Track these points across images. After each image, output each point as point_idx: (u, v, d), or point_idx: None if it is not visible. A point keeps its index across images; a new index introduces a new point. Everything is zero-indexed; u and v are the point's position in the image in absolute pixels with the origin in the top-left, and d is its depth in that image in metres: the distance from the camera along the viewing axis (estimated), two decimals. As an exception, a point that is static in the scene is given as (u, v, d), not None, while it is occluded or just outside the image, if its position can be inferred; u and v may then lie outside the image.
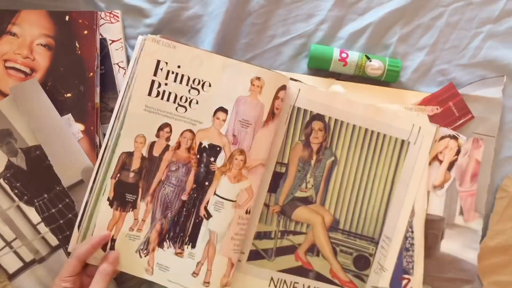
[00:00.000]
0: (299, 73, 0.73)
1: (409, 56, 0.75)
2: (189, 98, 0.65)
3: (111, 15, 0.71)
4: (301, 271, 0.69)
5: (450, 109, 0.72)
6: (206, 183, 0.65)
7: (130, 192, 0.66)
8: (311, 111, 0.69)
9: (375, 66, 0.71)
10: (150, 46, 0.65)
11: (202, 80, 0.65)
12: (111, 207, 0.65)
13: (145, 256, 0.65)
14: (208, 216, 0.64)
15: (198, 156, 0.65)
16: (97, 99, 0.68)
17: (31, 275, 0.67)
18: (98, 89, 0.68)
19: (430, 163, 0.71)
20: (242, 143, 0.65)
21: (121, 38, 0.71)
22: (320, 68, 0.73)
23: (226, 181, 0.65)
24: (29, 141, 0.66)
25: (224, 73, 0.65)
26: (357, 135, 0.69)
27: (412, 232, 0.69)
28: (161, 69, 0.65)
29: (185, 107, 0.65)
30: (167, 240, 0.65)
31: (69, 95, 0.68)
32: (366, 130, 0.69)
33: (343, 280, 0.69)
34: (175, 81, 0.65)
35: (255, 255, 0.68)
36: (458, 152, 0.72)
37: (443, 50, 0.75)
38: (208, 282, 0.64)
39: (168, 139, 0.65)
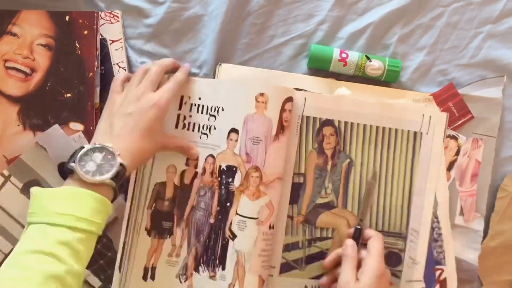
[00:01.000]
0: (299, 73, 0.73)
1: (409, 56, 0.74)
2: (209, 125, 0.67)
3: (111, 15, 0.71)
4: (334, 275, 0.69)
5: (450, 109, 0.72)
6: (228, 204, 0.66)
7: (166, 219, 0.67)
8: (320, 118, 0.69)
9: (375, 66, 0.71)
10: None
11: (217, 106, 0.67)
12: (149, 236, 0.67)
13: (184, 281, 0.66)
14: (234, 236, 0.65)
15: (219, 179, 0.66)
16: (97, 99, 0.68)
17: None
18: (98, 89, 0.68)
19: None
20: (255, 160, 0.65)
21: (121, 38, 0.71)
22: (320, 68, 0.73)
23: (245, 199, 0.65)
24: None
25: (233, 94, 0.67)
26: (369, 134, 0.69)
27: (438, 222, 0.69)
28: (185, 103, 0.67)
29: (206, 134, 0.67)
30: (202, 264, 0.66)
31: (69, 95, 0.68)
32: (377, 127, 0.69)
33: None
34: (197, 112, 0.67)
35: (286, 267, 0.69)
36: (457, 152, 0.72)
37: (443, 50, 0.75)
38: None
39: (196, 166, 0.67)
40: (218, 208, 0.66)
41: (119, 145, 0.58)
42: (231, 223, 0.65)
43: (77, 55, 0.68)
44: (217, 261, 0.66)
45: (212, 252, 0.66)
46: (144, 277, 0.67)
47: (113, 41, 0.71)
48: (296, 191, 0.69)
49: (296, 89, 0.69)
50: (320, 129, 0.69)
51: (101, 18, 0.71)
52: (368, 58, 0.71)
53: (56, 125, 0.66)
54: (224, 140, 0.67)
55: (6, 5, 0.69)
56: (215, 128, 0.67)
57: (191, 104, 0.67)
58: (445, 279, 0.69)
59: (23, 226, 0.64)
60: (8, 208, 0.65)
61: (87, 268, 0.64)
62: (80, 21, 0.68)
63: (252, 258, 0.65)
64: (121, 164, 0.57)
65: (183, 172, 0.67)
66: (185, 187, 0.67)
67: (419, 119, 0.70)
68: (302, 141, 0.69)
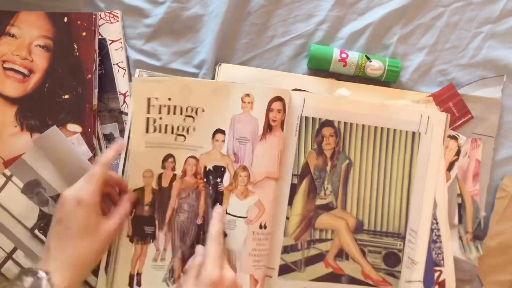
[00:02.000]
0: (299, 73, 0.73)
1: (409, 56, 0.75)
2: (185, 126, 0.66)
3: (111, 15, 0.71)
4: (333, 277, 0.69)
5: (450, 109, 0.72)
6: (218, 204, 0.66)
7: (147, 224, 0.66)
8: (319, 119, 0.68)
9: (375, 66, 0.71)
10: (138, 86, 0.65)
11: (195, 107, 0.66)
12: (132, 243, 0.66)
13: (172, 284, 0.66)
14: (224, 235, 0.64)
15: (205, 180, 0.66)
16: (95, 101, 0.68)
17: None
18: (96, 91, 0.68)
19: None
20: (243, 159, 0.65)
21: (120, 38, 0.71)
22: (320, 68, 0.72)
23: (234, 199, 0.65)
24: (58, 189, 0.65)
25: (215, 96, 0.66)
26: (367, 134, 0.69)
27: (437, 223, 0.69)
28: (153, 106, 0.65)
29: (183, 135, 0.66)
30: (190, 266, 0.66)
31: (67, 96, 0.67)
32: (376, 128, 0.69)
33: (376, 280, 0.69)
34: (168, 113, 0.65)
35: (285, 269, 0.68)
36: (458, 153, 0.72)
37: (443, 50, 0.75)
38: None
39: (173, 168, 0.66)
40: (205, 208, 0.66)
41: (53, 261, 0.55)
42: None
43: (76, 56, 0.68)
44: None
45: None
46: (130, 284, 0.65)
47: (112, 41, 0.71)
48: (295, 192, 0.69)
49: (296, 89, 0.68)
50: (319, 129, 0.69)
51: (101, 18, 0.70)
52: (368, 58, 0.71)
53: (55, 127, 0.66)
54: (208, 141, 0.66)
55: (6, 5, 0.69)
56: (194, 130, 0.66)
57: (160, 106, 0.66)
58: (443, 281, 0.69)
59: (24, 226, 0.65)
60: (10, 208, 0.65)
61: None
62: (79, 22, 0.68)
63: (242, 257, 0.64)
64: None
65: (160, 175, 0.66)
66: (164, 190, 0.66)
67: (417, 119, 0.69)
68: (301, 142, 0.68)
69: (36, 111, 0.67)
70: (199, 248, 0.64)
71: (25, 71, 0.67)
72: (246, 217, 0.65)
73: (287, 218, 0.68)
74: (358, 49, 0.74)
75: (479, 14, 0.75)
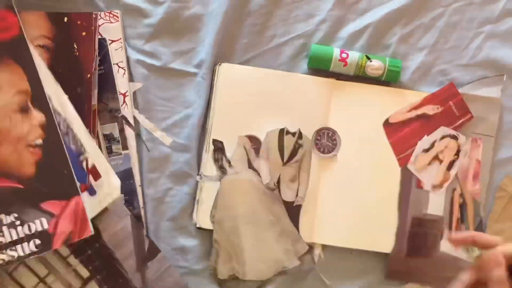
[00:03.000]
0: (299, 73, 0.73)
1: (409, 56, 0.74)
2: None
3: (111, 15, 0.71)
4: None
5: (450, 109, 0.72)
6: None
7: None
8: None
9: (375, 66, 0.71)
10: None
11: None
12: None
13: None
14: None
15: None
16: (95, 101, 0.68)
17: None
18: (96, 91, 0.68)
19: (430, 163, 0.72)
20: None
21: (120, 38, 0.71)
22: (320, 68, 0.72)
23: None
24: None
25: None
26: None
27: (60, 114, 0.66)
28: None
29: None
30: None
31: (66, 96, 0.67)
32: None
33: None
34: None
35: None
36: (458, 152, 0.72)
37: (443, 50, 0.75)
38: None
39: None
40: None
41: None
42: None
43: (75, 56, 0.68)
44: None
45: None
46: None
47: (112, 41, 0.71)
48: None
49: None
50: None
51: (101, 18, 0.70)
52: (368, 58, 0.71)
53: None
54: None
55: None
56: None
57: None
58: (94, 166, 0.66)
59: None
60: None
61: (76, 257, 0.66)
62: (79, 22, 0.68)
63: None
64: None
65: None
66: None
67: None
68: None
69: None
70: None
71: (25, 71, 0.67)
72: None
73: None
74: (358, 49, 0.74)
75: (479, 14, 0.75)
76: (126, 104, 0.71)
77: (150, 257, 0.67)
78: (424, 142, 0.72)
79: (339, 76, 0.73)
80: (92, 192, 0.65)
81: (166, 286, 0.68)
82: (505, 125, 0.74)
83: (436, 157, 0.72)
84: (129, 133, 0.71)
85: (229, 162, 0.70)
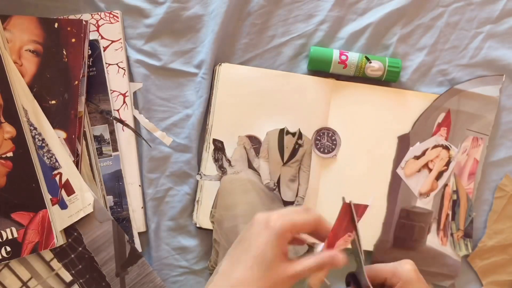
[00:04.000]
0: (299, 73, 0.73)
1: (409, 56, 0.74)
2: None
3: (111, 15, 0.71)
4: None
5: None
6: None
7: None
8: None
9: (375, 67, 0.71)
10: None
11: None
12: None
13: None
14: None
15: None
16: (81, 108, 0.68)
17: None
18: (83, 98, 0.68)
19: (419, 170, 0.72)
20: None
21: (120, 39, 0.71)
22: (320, 70, 0.73)
23: None
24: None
25: None
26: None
27: (36, 128, 0.67)
28: None
29: None
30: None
31: (53, 102, 0.68)
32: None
33: None
34: None
35: None
36: (448, 163, 0.72)
37: (443, 50, 0.75)
38: None
39: None
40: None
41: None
42: None
43: (64, 62, 0.68)
44: None
45: None
46: None
47: (112, 41, 0.71)
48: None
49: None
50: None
51: (101, 18, 0.71)
52: (368, 59, 0.71)
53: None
54: None
55: (6, 5, 0.70)
56: None
57: None
58: (67, 180, 0.67)
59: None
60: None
61: (59, 261, 0.66)
62: (69, 28, 0.68)
63: None
64: None
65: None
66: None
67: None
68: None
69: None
70: None
71: (13, 75, 0.67)
72: None
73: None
74: (358, 49, 0.74)
75: (479, 14, 0.75)
76: (126, 104, 0.71)
77: (130, 263, 0.68)
78: (416, 148, 0.72)
79: (339, 77, 0.73)
80: (63, 206, 0.67)
81: (146, 291, 0.68)
82: (504, 125, 0.74)
83: (425, 165, 0.72)
84: (122, 134, 0.71)
85: (229, 162, 0.71)
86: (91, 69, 0.70)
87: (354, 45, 0.74)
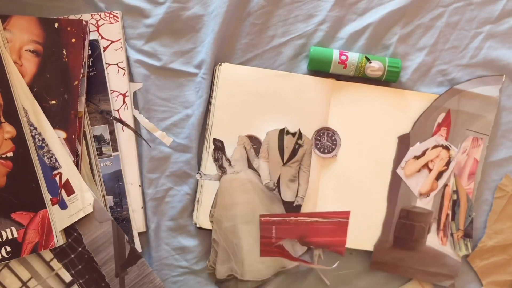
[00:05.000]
0: (299, 73, 0.73)
1: (409, 56, 0.74)
2: None
3: (111, 15, 0.71)
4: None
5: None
6: None
7: None
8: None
9: (375, 67, 0.71)
10: None
11: None
12: None
13: None
14: None
15: None
16: (81, 108, 0.68)
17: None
18: (83, 98, 0.68)
19: (419, 170, 0.72)
20: None
21: (120, 39, 0.71)
22: (320, 70, 0.73)
23: None
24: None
25: None
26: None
27: (36, 128, 0.67)
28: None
29: None
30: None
31: (53, 102, 0.68)
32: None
33: None
34: None
35: None
36: (448, 163, 0.72)
37: (443, 50, 0.75)
38: None
39: None
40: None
41: None
42: None
43: (64, 62, 0.68)
44: None
45: None
46: None
47: (112, 41, 0.71)
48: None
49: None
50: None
51: (101, 18, 0.71)
52: (368, 59, 0.71)
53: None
54: None
55: (6, 5, 0.70)
56: None
57: None
58: (67, 181, 0.67)
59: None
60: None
61: (59, 261, 0.66)
62: (69, 29, 0.68)
63: None
64: None
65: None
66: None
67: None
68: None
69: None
70: None
71: (14, 75, 0.68)
72: None
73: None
74: (358, 49, 0.74)
75: (479, 14, 0.75)
76: (126, 104, 0.71)
77: (130, 263, 0.68)
78: (416, 148, 0.72)
79: (339, 77, 0.73)
80: (63, 206, 0.67)
81: (145, 292, 0.69)
82: (504, 125, 0.74)
83: (425, 165, 0.72)
84: (122, 134, 0.71)
85: (229, 162, 0.71)
86: (91, 69, 0.70)
87: (354, 45, 0.74)
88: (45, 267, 0.67)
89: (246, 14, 0.73)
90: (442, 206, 0.72)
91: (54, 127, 0.67)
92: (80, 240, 0.67)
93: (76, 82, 0.68)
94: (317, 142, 0.72)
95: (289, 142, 0.71)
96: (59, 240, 0.66)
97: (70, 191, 0.67)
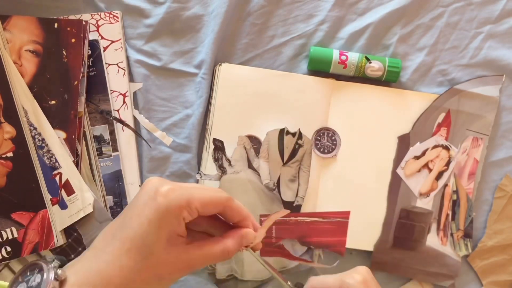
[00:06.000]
0: (299, 73, 0.73)
1: (409, 56, 0.74)
2: None
3: (111, 16, 0.71)
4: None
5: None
6: None
7: None
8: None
9: (375, 67, 0.71)
10: None
11: None
12: None
13: None
14: None
15: None
16: (81, 108, 0.68)
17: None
18: (83, 98, 0.68)
19: (419, 170, 0.72)
20: None
21: (120, 39, 0.71)
22: (320, 70, 0.73)
23: None
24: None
25: None
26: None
27: (36, 128, 0.66)
28: None
29: None
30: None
31: (53, 102, 0.68)
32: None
33: None
34: None
35: None
36: (448, 163, 0.72)
37: (443, 50, 0.75)
38: None
39: None
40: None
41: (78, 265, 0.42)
42: None
43: (64, 62, 0.68)
44: None
45: None
46: None
47: (112, 41, 0.71)
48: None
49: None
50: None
51: (101, 18, 0.71)
52: (368, 59, 0.71)
53: None
54: None
55: (6, 5, 0.69)
56: None
57: None
58: (67, 181, 0.67)
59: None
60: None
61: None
62: (69, 29, 0.68)
63: None
64: None
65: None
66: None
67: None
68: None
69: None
70: None
71: (13, 75, 0.68)
72: None
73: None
74: (358, 49, 0.74)
75: (479, 14, 0.75)
76: (126, 104, 0.71)
77: None
78: (416, 148, 0.72)
79: (339, 77, 0.73)
80: (63, 206, 0.67)
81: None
82: (504, 125, 0.74)
83: (425, 165, 0.72)
84: (121, 134, 0.71)
85: (229, 162, 0.71)
86: (91, 69, 0.70)
87: (354, 45, 0.74)
88: None
89: (246, 14, 0.73)
90: (442, 206, 0.72)
91: (54, 127, 0.67)
92: (80, 240, 0.67)
93: (76, 82, 0.68)
94: (317, 142, 0.72)
95: (289, 142, 0.71)
96: (59, 240, 0.66)
97: (70, 191, 0.67)
